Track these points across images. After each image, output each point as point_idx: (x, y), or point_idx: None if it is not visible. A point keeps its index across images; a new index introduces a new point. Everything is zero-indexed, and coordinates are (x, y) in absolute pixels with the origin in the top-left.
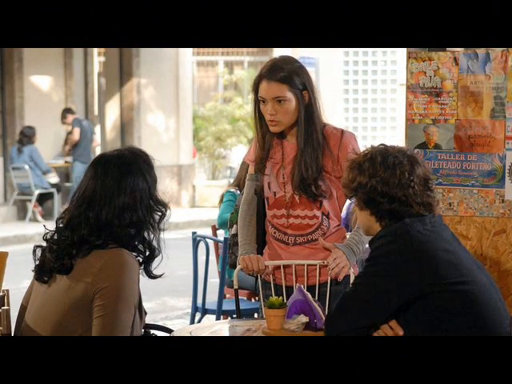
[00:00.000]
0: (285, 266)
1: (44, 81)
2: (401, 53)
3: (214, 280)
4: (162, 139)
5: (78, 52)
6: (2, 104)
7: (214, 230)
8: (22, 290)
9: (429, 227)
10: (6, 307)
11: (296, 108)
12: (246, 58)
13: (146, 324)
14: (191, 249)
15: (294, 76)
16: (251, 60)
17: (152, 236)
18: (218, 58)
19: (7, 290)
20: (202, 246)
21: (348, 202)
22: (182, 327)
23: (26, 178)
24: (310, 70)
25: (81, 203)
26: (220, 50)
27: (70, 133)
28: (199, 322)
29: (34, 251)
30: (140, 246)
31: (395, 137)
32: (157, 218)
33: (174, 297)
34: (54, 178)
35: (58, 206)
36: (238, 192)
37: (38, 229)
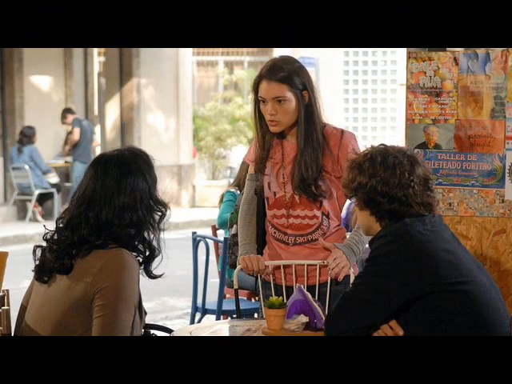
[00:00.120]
0: (285, 266)
1: (44, 81)
2: (401, 53)
3: (214, 280)
4: (162, 139)
5: (78, 52)
6: (2, 104)
7: (214, 229)
8: (22, 290)
9: (429, 227)
10: (5, 307)
11: (296, 108)
12: (246, 58)
13: (146, 324)
14: (191, 249)
15: (294, 76)
16: (251, 60)
17: (152, 236)
18: (217, 57)
19: (7, 290)
20: (201, 245)
21: (348, 201)
22: (181, 327)
23: (26, 178)
24: (310, 70)
25: (81, 203)
26: (220, 49)
27: (70, 133)
28: (199, 322)
29: (34, 251)
30: (140, 246)
31: (395, 137)
32: (157, 218)
33: (174, 297)
34: (54, 178)
35: (58, 205)
36: (238, 192)
37: (38, 229)
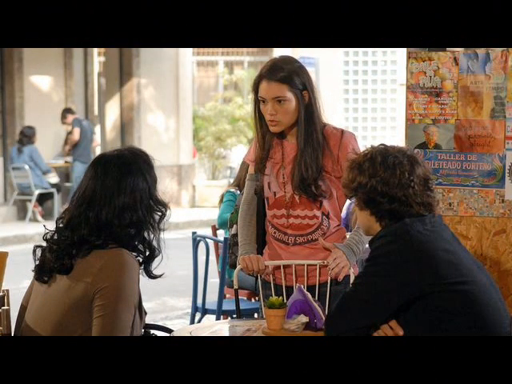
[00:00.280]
0: (285, 266)
1: (44, 81)
2: (401, 53)
3: (214, 280)
4: (162, 139)
5: (78, 52)
6: (2, 104)
7: (214, 230)
8: (22, 290)
9: (429, 227)
10: (5, 307)
11: (296, 108)
12: (246, 58)
13: (146, 324)
14: (191, 249)
15: (294, 76)
16: (251, 60)
17: (152, 236)
18: (217, 57)
19: (7, 290)
20: (201, 245)
21: (348, 201)
22: (181, 327)
23: (26, 178)
24: (310, 70)
25: (81, 203)
26: (220, 49)
27: (70, 133)
28: (199, 322)
29: (34, 251)
30: (140, 246)
31: (395, 137)
32: (157, 218)
33: (174, 297)
34: (54, 178)
35: (58, 205)
36: (238, 192)
37: (38, 229)
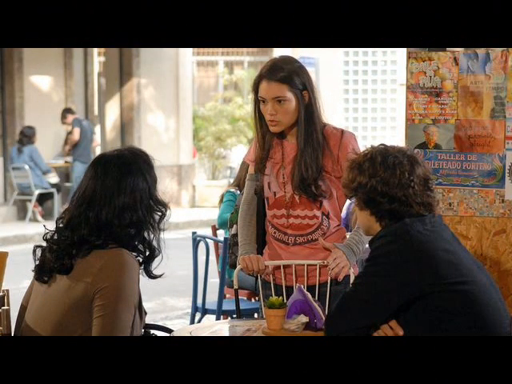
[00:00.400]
0: (285, 266)
1: (44, 81)
2: (401, 53)
3: (214, 280)
4: (162, 139)
5: (78, 52)
6: (2, 104)
7: (214, 230)
8: (22, 290)
9: (429, 227)
10: (5, 307)
11: (296, 108)
12: (246, 58)
13: (146, 324)
14: (191, 249)
15: (294, 76)
16: (251, 60)
17: (152, 236)
18: (217, 57)
19: (7, 290)
20: (201, 245)
21: (348, 201)
22: (181, 327)
23: (26, 178)
24: (310, 70)
25: (81, 203)
26: (220, 49)
27: (70, 133)
28: (199, 322)
29: (34, 251)
30: (140, 246)
31: (395, 137)
32: (157, 218)
33: (174, 297)
34: (54, 178)
35: (58, 205)
36: (238, 192)
37: (38, 229)
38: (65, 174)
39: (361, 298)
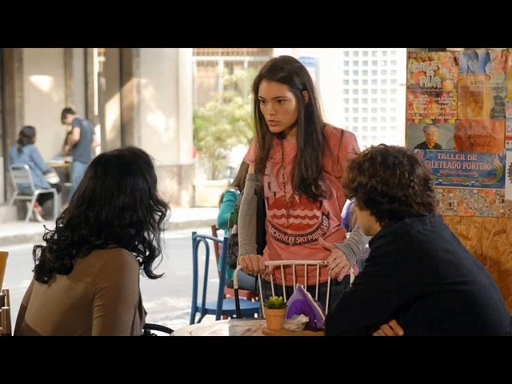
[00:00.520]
0: (285, 266)
1: (44, 81)
2: (401, 53)
3: (214, 280)
4: (162, 139)
5: (78, 52)
6: (2, 104)
7: (214, 229)
8: (22, 290)
9: (429, 227)
10: (5, 307)
11: (296, 108)
12: (246, 57)
13: (146, 324)
14: (191, 249)
15: (294, 76)
16: (251, 60)
17: (152, 236)
18: (217, 57)
19: (7, 290)
20: (202, 245)
21: (348, 201)
22: (181, 327)
23: (26, 178)
24: (310, 70)
25: (81, 203)
26: (220, 49)
27: (70, 133)
28: (199, 322)
29: (34, 251)
30: (140, 246)
31: (395, 137)
32: (157, 218)
33: (174, 297)
34: (54, 178)
35: (58, 205)
36: (238, 192)
37: (38, 229)
38: (65, 174)
39: (361, 298)
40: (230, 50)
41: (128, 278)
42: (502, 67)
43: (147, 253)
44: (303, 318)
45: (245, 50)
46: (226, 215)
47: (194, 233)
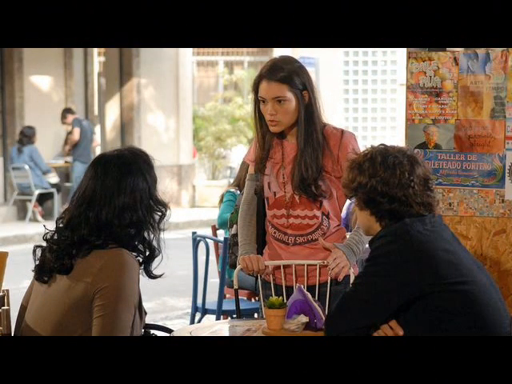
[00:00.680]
0: (285, 266)
1: (44, 81)
2: (401, 53)
3: (214, 280)
4: (162, 139)
5: (78, 52)
6: (2, 104)
7: (214, 230)
8: (22, 290)
9: (429, 227)
10: (5, 307)
11: (296, 108)
12: (246, 58)
13: (146, 324)
14: (191, 249)
15: (294, 76)
16: (251, 60)
17: (152, 236)
18: (217, 57)
19: (7, 290)
20: (202, 245)
21: (348, 201)
22: (181, 327)
23: (26, 178)
24: (310, 70)
25: (81, 203)
26: (220, 49)
27: (70, 133)
28: (199, 322)
29: (34, 251)
30: (140, 246)
31: (395, 137)
32: (157, 218)
33: (174, 297)
34: (54, 178)
35: (58, 205)
36: (238, 192)
37: (38, 229)
38: (65, 174)
39: (361, 297)
40: (230, 50)
41: (128, 278)
42: (502, 67)
43: (147, 253)
44: (303, 318)
45: (245, 50)
46: (225, 215)
47: (194, 233)
